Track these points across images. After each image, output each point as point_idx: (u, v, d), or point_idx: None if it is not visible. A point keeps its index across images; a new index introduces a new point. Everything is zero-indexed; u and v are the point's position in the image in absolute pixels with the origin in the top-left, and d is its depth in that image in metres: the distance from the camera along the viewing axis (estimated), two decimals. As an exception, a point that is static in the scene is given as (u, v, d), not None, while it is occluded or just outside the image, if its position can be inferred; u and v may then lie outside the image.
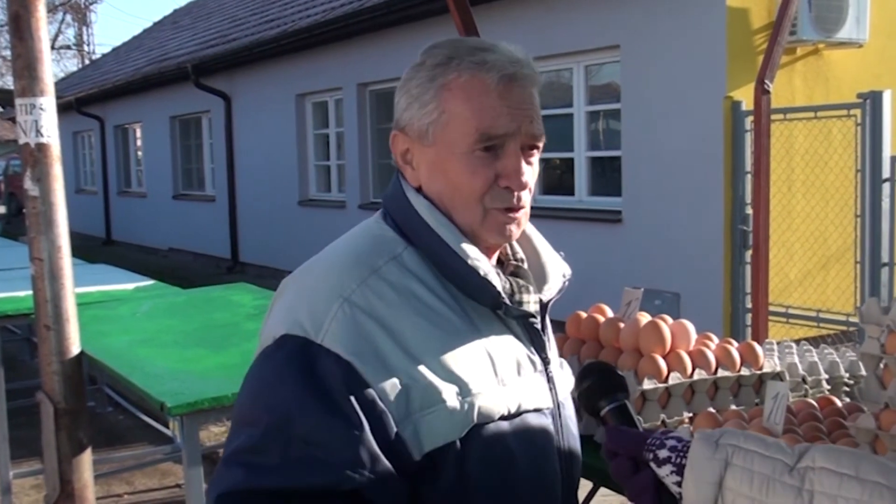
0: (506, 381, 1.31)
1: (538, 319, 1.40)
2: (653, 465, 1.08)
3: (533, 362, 1.37)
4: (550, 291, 1.43)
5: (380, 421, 1.21)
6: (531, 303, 1.38)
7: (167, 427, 5.63)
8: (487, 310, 1.33)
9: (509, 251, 1.46)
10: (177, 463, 5.21)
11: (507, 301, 1.33)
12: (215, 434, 5.68)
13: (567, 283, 1.47)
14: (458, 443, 1.25)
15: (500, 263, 1.43)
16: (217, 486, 1.21)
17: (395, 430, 1.21)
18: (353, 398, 1.20)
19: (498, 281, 1.32)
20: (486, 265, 1.32)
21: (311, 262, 1.38)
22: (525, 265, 1.45)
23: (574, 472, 1.44)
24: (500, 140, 1.30)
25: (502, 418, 1.29)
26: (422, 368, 1.24)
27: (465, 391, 1.25)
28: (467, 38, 1.38)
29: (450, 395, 1.24)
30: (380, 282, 1.28)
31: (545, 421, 1.37)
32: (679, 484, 1.03)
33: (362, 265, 1.30)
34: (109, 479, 5.09)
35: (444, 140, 1.32)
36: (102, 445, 5.26)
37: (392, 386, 1.22)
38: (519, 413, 1.32)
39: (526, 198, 1.35)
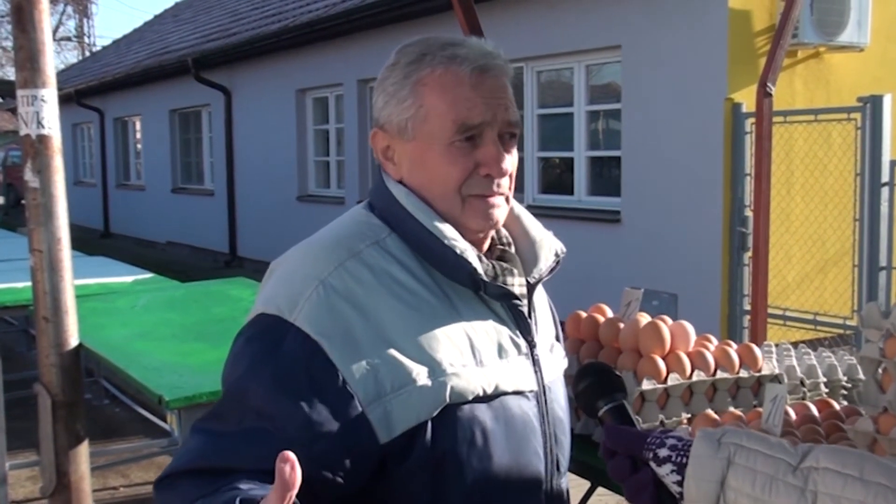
0: (484, 363, 1.33)
1: (523, 302, 1.41)
2: (652, 464, 1.07)
3: (517, 345, 1.39)
4: (540, 272, 1.45)
5: (340, 401, 1.23)
6: (516, 286, 1.40)
7: (163, 420, 5.63)
8: (469, 292, 1.36)
9: (496, 236, 1.47)
10: (173, 456, 5.21)
11: (485, 279, 1.34)
12: (211, 428, 5.67)
13: (561, 260, 1.49)
14: (429, 423, 1.27)
15: (489, 249, 1.44)
16: (177, 455, 1.28)
17: (360, 410, 1.23)
18: (311, 376, 1.23)
19: (476, 259, 1.34)
20: (462, 244, 1.34)
21: (297, 246, 1.42)
22: (513, 248, 1.47)
23: (560, 456, 1.44)
24: (478, 129, 1.34)
25: (478, 399, 1.31)
26: (393, 351, 1.26)
27: (437, 371, 1.27)
28: (438, 35, 1.42)
29: (421, 375, 1.26)
30: (358, 265, 1.31)
31: (527, 404, 1.38)
32: (679, 483, 1.03)
33: (342, 248, 1.34)
34: (105, 472, 5.09)
35: (423, 133, 1.35)
36: (99, 438, 5.25)
37: (360, 368, 1.24)
38: (497, 395, 1.33)
39: (506, 184, 1.39)
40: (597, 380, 1.33)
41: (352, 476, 1.25)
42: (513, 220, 1.48)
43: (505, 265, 1.41)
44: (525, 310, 1.42)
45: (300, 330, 1.25)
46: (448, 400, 1.27)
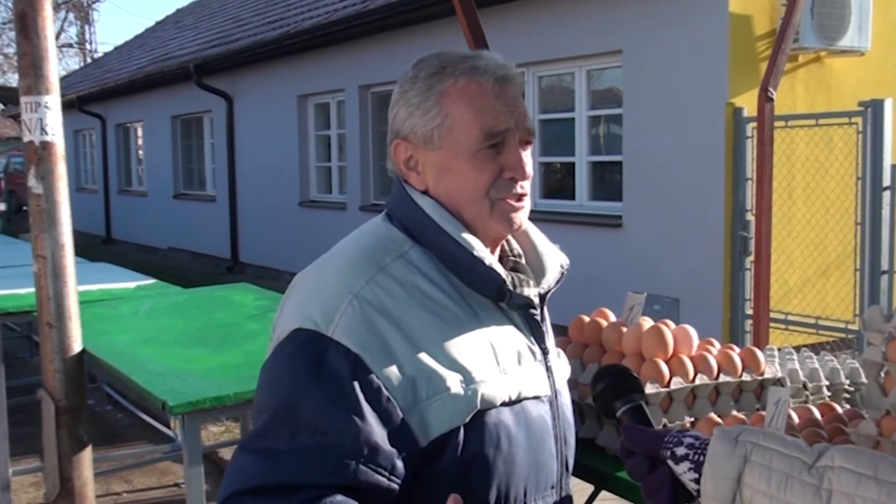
0: (507, 370, 1.39)
1: (538, 311, 1.49)
2: (670, 462, 1.08)
3: (533, 352, 1.46)
4: (548, 283, 1.51)
5: (386, 410, 1.28)
6: (531, 296, 1.46)
7: (167, 426, 5.64)
8: (490, 302, 1.42)
9: (507, 248, 1.54)
10: (175, 462, 5.21)
11: (511, 289, 1.41)
12: (214, 434, 5.68)
13: (565, 272, 1.55)
14: (461, 428, 1.33)
15: (500, 260, 1.49)
16: (229, 477, 1.28)
17: (401, 417, 1.29)
18: (358, 388, 1.27)
19: (502, 270, 1.41)
20: (489, 256, 1.41)
21: (323, 259, 1.46)
22: (523, 260, 1.54)
23: (569, 456, 1.52)
24: (502, 136, 1.40)
25: (503, 405, 1.37)
26: (427, 359, 1.31)
27: (468, 379, 1.33)
28: (451, 50, 1.48)
29: (454, 382, 1.32)
30: (387, 278, 1.36)
31: (543, 408, 1.45)
32: (696, 481, 1.04)
33: (371, 262, 1.38)
34: (108, 478, 5.09)
35: (449, 142, 1.41)
36: (101, 444, 5.25)
37: (398, 377, 1.29)
38: (519, 400, 1.40)
39: (527, 186, 1.45)
40: (614, 381, 1.37)
41: (402, 481, 1.30)
42: (521, 234, 1.54)
43: (521, 276, 1.47)
44: (539, 318, 1.49)
45: (340, 344, 1.29)
46: (479, 406, 1.33)
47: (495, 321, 1.42)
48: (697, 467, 1.04)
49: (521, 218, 1.45)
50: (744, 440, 1.01)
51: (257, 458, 1.26)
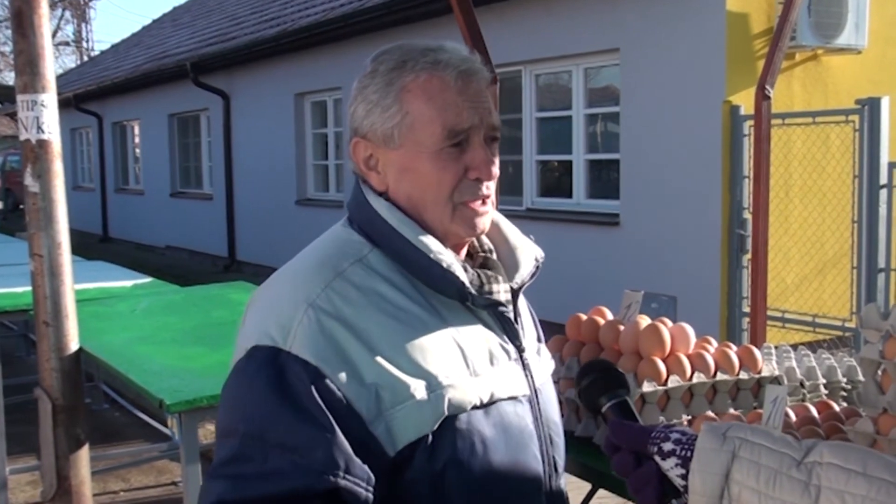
0: (478, 371, 1.33)
1: (509, 308, 1.42)
2: (657, 458, 1.07)
3: (506, 350, 1.39)
4: (522, 277, 1.45)
5: (350, 422, 1.23)
6: (501, 292, 1.40)
7: (164, 424, 5.64)
8: (456, 303, 1.36)
9: (476, 244, 1.48)
10: (173, 460, 5.21)
11: (473, 291, 1.35)
12: (211, 432, 5.68)
13: (540, 265, 1.49)
14: (430, 436, 1.27)
15: (469, 256, 1.45)
16: (204, 500, 1.24)
17: (367, 429, 1.24)
18: (322, 402, 1.22)
19: (462, 272, 1.35)
20: (449, 257, 1.34)
21: (280, 270, 1.41)
22: (494, 255, 1.48)
23: (556, 456, 1.46)
24: (466, 134, 1.34)
25: (475, 408, 1.31)
26: (389, 366, 1.26)
27: (434, 384, 1.28)
28: (413, 41, 1.41)
29: (419, 389, 1.27)
30: (344, 283, 1.30)
31: (522, 408, 1.39)
32: (684, 477, 1.03)
33: (326, 269, 1.32)
34: (105, 476, 5.09)
35: (410, 141, 1.34)
36: (98, 442, 5.25)
37: (360, 387, 1.24)
38: (493, 402, 1.34)
39: (493, 187, 1.39)
40: (600, 376, 1.34)
41: (375, 490, 1.25)
42: (492, 227, 1.47)
43: (490, 273, 1.41)
44: (511, 315, 1.42)
45: (298, 358, 1.24)
46: (447, 412, 1.28)
47: (462, 321, 1.36)
48: (685, 463, 1.04)
49: (485, 223, 1.39)
50: (732, 436, 1.01)
51: (231, 483, 1.22)
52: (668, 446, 1.06)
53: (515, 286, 1.44)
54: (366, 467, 1.23)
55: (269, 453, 1.21)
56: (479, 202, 1.37)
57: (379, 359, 1.26)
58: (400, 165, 1.36)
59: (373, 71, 1.37)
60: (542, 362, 1.50)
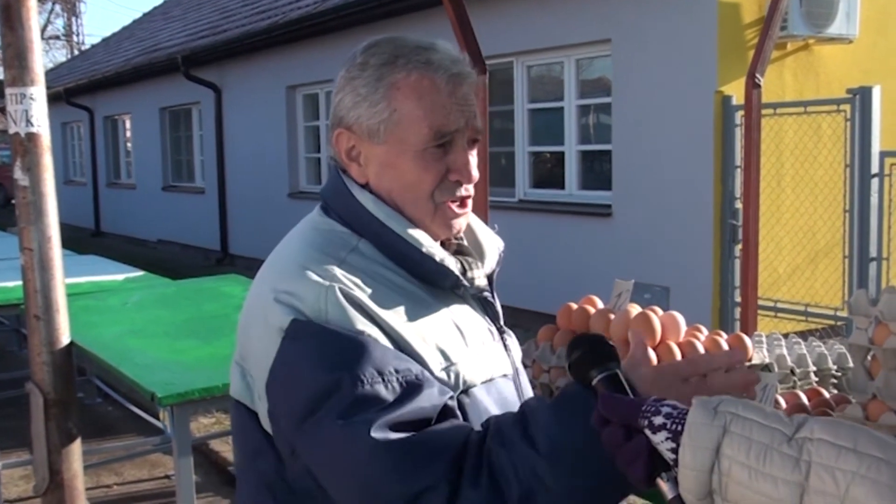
0: (476, 351, 1.38)
1: (489, 292, 1.48)
2: (647, 431, 1.07)
3: (490, 332, 1.45)
4: (490, 265, 1.50)
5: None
6: (480, 277, 1.46)
7: (156, 418, 5.63)
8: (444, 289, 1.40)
9: None
10: (166, 454, 5.21)
11: (466, 283, 1.40)
12: (205, 426, 5.68)
13: (502, 255, 1.54)
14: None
15: (443, 244, 1.47)
16: (358, 445, 1.19)
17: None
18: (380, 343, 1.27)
19: (454, 264, 1.38)
20: (439, 251, 1.37)
21: (272, 260, 1.40)
22: (465, 241, 1.51)
23: None
24: (451, 136, 1.36)
25: (481, 384, 1.36)
26: (407, 344, 1.28)
27: (447, 362, 1.31)
28: (405, 35, 1.41)
29: (436, 366, 1.30)
30: (351, 269, 1.31)
31: (510, 386, 1.44)
32: (674, 451, 1.03)
33: (330, 257, 1.33)
34: (98, 470, 5.08)
35: (396, 138, 1.36)
36: (91, 436, 5.24)
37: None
38: (492, 379, 1.39)
39: (471, 189, 1.42)
40: (589, 350, 1.33)
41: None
42: None
43: (470, 259, 1.46)
44: (491, 299, 1.49)
45: (340, 328, 1.25)
46: (461, 387, 1.32)
47: (456, 304, 1.40)
48: (675, 437, 1.03)
49: (462, 224, 1.42)
50: (723, 410, 1.01)
51: (373, 424, 1.18)
52: (658, 420, 1.06)
53: (488, 273, 1.49)
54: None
55: (385, 377, 1.21)
56: (458, 203, 1.39)
57: (400, 336, 1.28)
58: (383, 160, 1.37)
59: (363, 63, 1.38)
60: (516, 344, 1.56)
